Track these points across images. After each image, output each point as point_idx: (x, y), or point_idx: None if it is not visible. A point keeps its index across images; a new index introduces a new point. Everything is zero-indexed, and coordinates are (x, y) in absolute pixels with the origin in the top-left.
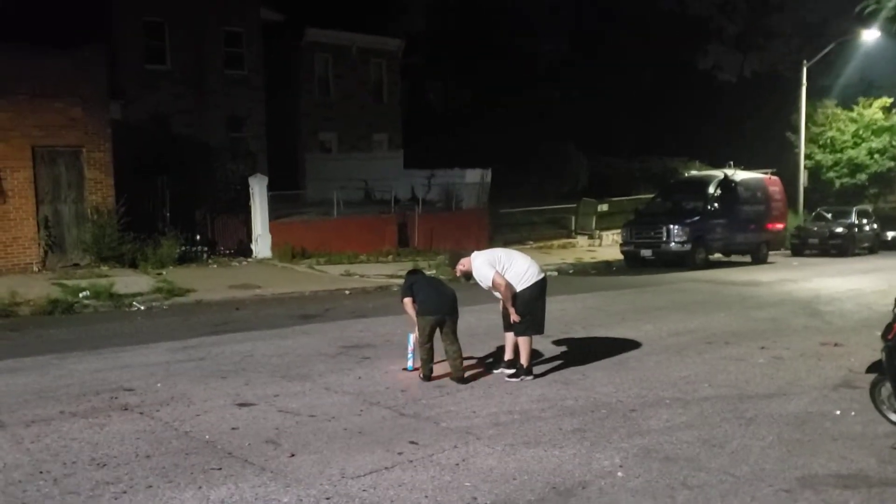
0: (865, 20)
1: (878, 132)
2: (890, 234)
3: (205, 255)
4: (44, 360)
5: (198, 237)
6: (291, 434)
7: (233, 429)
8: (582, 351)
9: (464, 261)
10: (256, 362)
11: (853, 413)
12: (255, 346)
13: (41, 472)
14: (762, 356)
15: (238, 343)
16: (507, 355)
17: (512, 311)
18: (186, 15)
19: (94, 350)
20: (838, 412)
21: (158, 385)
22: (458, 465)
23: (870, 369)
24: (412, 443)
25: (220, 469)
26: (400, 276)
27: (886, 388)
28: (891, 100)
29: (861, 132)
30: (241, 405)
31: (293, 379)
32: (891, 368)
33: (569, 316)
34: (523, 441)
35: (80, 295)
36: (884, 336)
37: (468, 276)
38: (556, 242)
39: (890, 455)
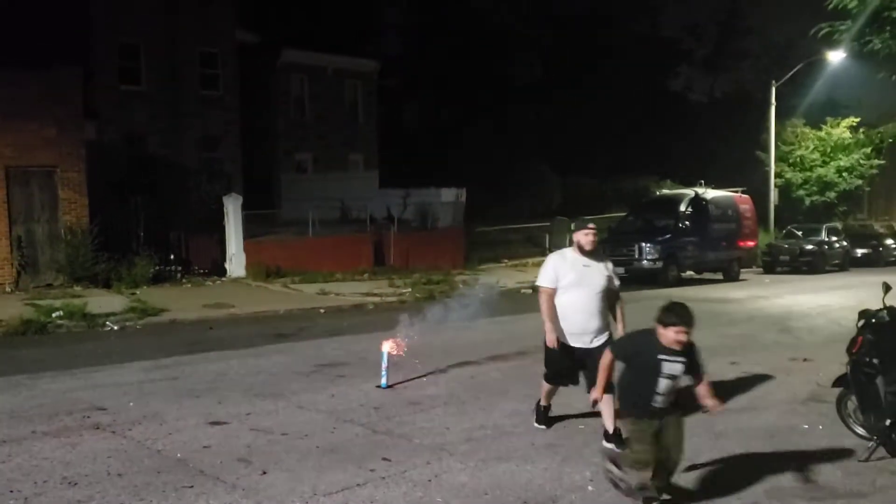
0: (832, 41)
1: (842, 149)
2: (860, 251)
3: (179, 275)
4: (16, 380)
5: (172, 257)
6: (263, 452)
7: (205, 447)
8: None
9: None
10: (229, 381)
11: (821, 427)
12: (229, 365)
13: (11, 492)
14: (732, 372)
15: (211, 362)
16: (610, 425)
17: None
18: (162, 37)
19: (67, 370)
20: (806, 426)
21: (131, 404)
22: (430, 481)
23: (836, 383)
24: (385, 460)
25: (192, 487)
26: (376, 294)
27: (852, 402)
28: (857, 119)
29: (829, 151)
30: (214, 424)
31: (266, 397)
32: (855, 382)
33: (531, 331)
34: (495, 456)
35: (53, 315)
36: (848, 350)
37: (594, 246)
38: (531, 261)
39: (856, 468)
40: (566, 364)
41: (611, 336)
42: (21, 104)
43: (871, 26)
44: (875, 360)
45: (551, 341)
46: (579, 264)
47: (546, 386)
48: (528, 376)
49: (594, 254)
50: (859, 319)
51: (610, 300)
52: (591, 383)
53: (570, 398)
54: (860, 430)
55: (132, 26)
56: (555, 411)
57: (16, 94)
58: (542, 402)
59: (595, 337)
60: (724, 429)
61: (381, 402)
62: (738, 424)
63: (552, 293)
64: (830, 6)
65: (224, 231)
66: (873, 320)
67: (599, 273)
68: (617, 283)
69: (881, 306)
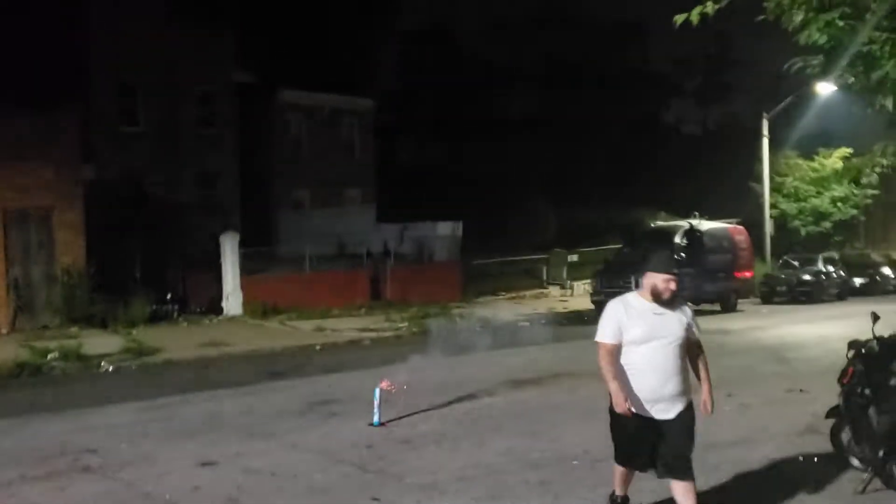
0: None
1: (836, 179)
2: (857, 281)
3: (176, 314)
4: (7, 423)
5: (169, 296)
6: (253, 493)
7: (195, 488)
8: (551, 402)
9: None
10: (222, 421)
11: (816, 459)
12: (222, 405)
13: None
14: (729, 404)
15: (205, 402)
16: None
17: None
18: (160, 77)
19: (60, 412)
20: (802, 458)
21: (122, 446)
22: None
23: (829, 414)
24: (374, 500)
25: None
26: (372, 330)
27: (847, 433)
28: (850, 150)
29: (823, 182)
30: (204, 464)
31: (258, 437)
32: (848, 413)
33: (540, 366)
34: (488, 495)
35: (48, 357)
36: (840, 380)
37: (673, 296)
38: (528, 293)
39: (852, 500)
40: (643, 437)
41: (691, 404)
42: (19, 146)
43: (841, 61)
44: (866, 391)
45: (621, 405)
46: (649, 313)
47: (618, 470)
48: (523, 412)
49: (670, 300)
50: (849, 350)
51: (690, 354)
52: (666, 470)
53: (563, 431)
54: (855, 462)
55: (130, 67)
56: (546, 447)
57: (14, 135)
58: (618, 492)
59: (671, 405)
60: (719, 462)
61: (373, 440)
62: (734, 457)
63: (613, 349)
64: (801, 42)
65: (221, 269)
66: (863, 350)
67: (677, 321)
68: (698, 332)
69: (871, 336)
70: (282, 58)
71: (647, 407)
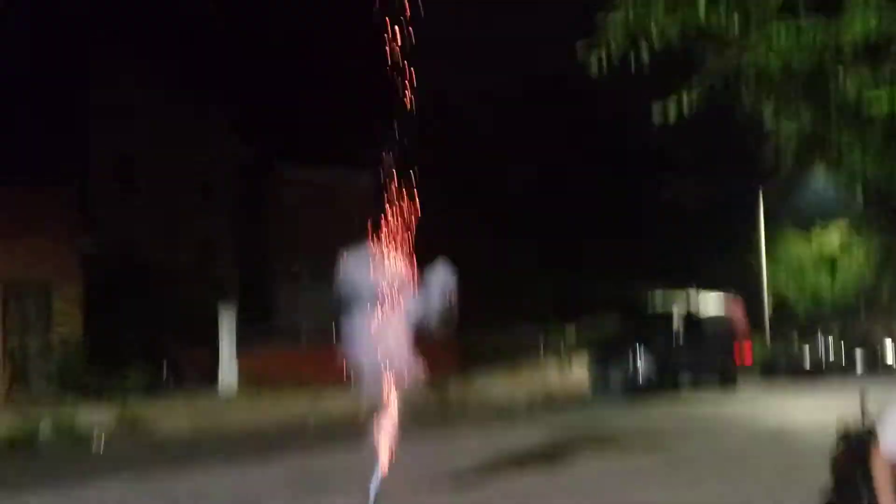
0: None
1: (834, 258)
2: (858, 356)
3: (171, 386)
4: None
5: (164, 367)
6: None
7: None
8: (558, 485)
9: None
10: (210, 497)
11: None
12: (212, 480)
13: None
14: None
15: (195, 477)
16: None
17: None
18: (159, 148)
19: (49, 485)
20: None
21: None
22: None
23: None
24: None
25: None
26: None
27: None
28: (845, 224)
29: (820, 259)
30: None
31: None
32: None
33: (529, 445)
34: None
35: (41, 428)
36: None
37: None
38: (524, 366)
39: None
40: None
41: None
42: (17, 220)
43: (806, 151)
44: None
45: None
46: None
47: None
48: (522, 497)
49: None
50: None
51: None
52: None
53: (550, 500)
54: None
55: (130, 138)
56: None
57: (12, 210)
58: None
59: None
60: None
61: None
62: None
63: (889, 465)
64: (771, 126)
65: (217, 341)
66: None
67: None
68: None
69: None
70: (281, 131)
71: None
